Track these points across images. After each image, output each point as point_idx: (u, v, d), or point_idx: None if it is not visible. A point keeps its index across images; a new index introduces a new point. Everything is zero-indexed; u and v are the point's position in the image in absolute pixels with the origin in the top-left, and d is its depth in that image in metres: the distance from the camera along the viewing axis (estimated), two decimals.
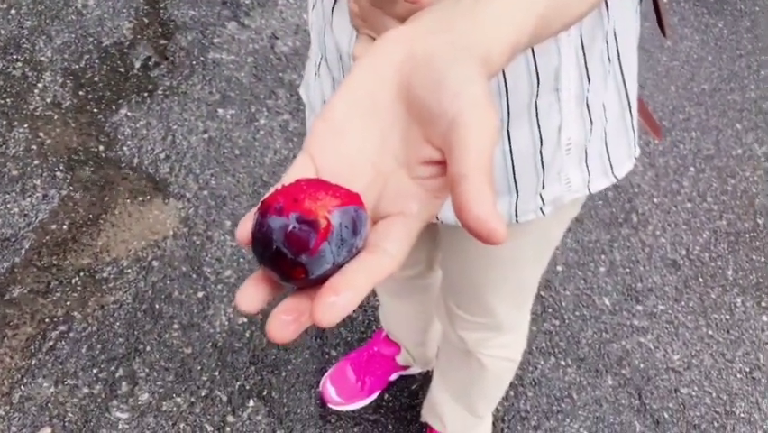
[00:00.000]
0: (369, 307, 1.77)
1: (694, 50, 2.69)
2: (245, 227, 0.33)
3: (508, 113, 0.70)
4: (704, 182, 2.22)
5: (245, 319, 1.74)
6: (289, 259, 0.31)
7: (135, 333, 1.70)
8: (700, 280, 1.96)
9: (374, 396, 1.63)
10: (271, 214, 0.31)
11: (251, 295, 0.32)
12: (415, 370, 1.66)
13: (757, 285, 1.96)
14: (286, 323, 0.31)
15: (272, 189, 0.32)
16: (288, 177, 0.34)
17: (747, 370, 1.78)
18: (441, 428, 1.47)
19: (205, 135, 2.11)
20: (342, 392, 1.60)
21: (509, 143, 0.73)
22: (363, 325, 1.76)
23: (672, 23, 2.79)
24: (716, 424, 1.68)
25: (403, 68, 0.34)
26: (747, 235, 2.09)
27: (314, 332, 1.74)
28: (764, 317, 1.89)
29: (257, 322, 1.74)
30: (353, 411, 1.62)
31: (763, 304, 1.92)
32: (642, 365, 1.76)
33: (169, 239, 1.87)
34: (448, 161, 0.32)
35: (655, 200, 2.14)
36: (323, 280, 0.31)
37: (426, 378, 1.64)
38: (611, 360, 1.77)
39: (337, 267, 0.32)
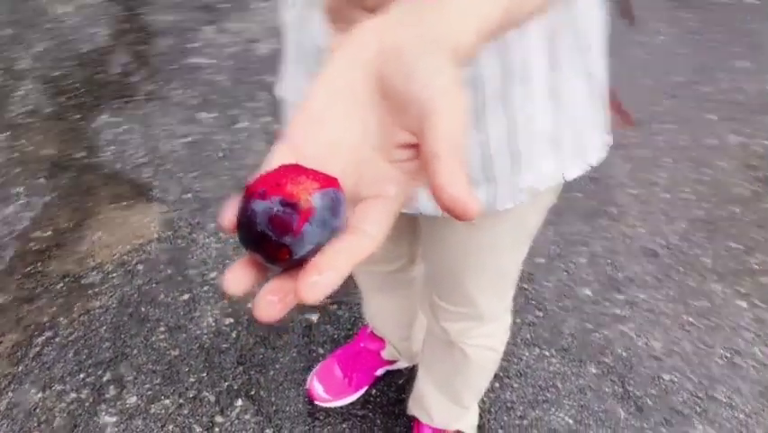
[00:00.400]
0: (354, 304, 1.79)
1: (668, 43, 2.73)
2: (228, 213, 0.34)
3: (482, 103, 0.72)
4: (680, 173, 2.26)
5: (232, 320, 1.75)
6: (274, 241, 0.32)
7: (122, 337, 1.70)
8: (679, 268, 1.99)
9: (361, 392, 1.64)
10: (255, 198, 0.33)
11: (238, 278, 0.34)
12: (401, 364, 1.67)
13: (735, 272, 2.00)
14: (272, 303, 0.32)
15: (255, 176, 0.34)
16: (269, 164, 0.35)
17: (728, 355, 1.82)
18: (427, 421, 1.49)
19: (187, 139, 2.11)
20: (330, 389, 1.61)
21: (484, 133, 0.75)
22: (349, 322, 1.77)
23: (644, 18, 2.83)
24: (698, 409, 1.71)
25: (375, 59, 0.36)
26: (724, 224, 2.13)
27: (300, 330, 1.75)
28: (743, 304, 1.93)
29: (243, 322, 1.75)
30: (341, 408, 1.63)
31: (742, 291, 1.96)
32: (624, 353, 1.79)
33: (153, 243, 1.88)
34: (421, 145, 0.34)
35: (633, 192, 2.17)
36: (306, 260, 0.33)
37: (413, 372, 1.66)
38: (594, 349, 1.79)
39: (319, 247, 0.33)
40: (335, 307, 1.80)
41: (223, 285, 0.34)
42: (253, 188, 0.33)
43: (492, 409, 1.66)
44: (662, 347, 1.82)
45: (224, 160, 2.07)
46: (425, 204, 0.83)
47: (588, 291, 1.91)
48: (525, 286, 1.88)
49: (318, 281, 0.31)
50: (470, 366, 1.28)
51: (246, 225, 0.33)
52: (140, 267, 1.82)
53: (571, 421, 1.66)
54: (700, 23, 2.82)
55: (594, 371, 1.75)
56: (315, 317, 1.78)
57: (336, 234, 0.34)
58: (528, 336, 1.80)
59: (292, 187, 0.33)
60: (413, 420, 1.56)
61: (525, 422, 1.65)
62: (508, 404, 1.67)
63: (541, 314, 1.84)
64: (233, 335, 1.73)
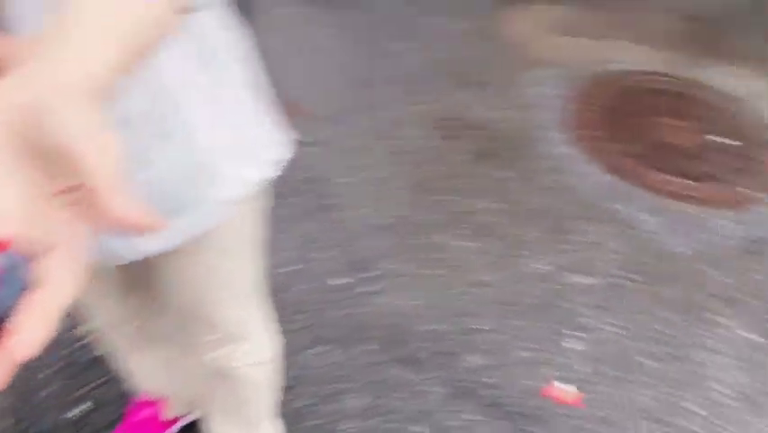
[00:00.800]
0: (117, 380, 1.69)
1: (336, 44, 2.96)
2: None
3: (140, 136, 0.74)
4: (380, 152, 2.47)
5: None
6: None
7: None
8: (406, 233, 2.19)
9: None
10: None
11: None
12: (189, 417, 1.62)
13: (452, 220, 2.25)
14: None
15: None
16: None
17: (473, 291, 2.04)
18: None
19: None
20: None
21: (154, 166, 0.76)
22: (118, 398, 1.67)
23: (304, 26, 3.04)
24: (464, 344, 1.90)
25: (11, 120, 0.35)
26: (430, 182, 2.38)
27: (72, 426, 1.61)
28: (468, 244, 2.18)
29: None
30: None
31: (463, 233, 2.21)
32: (391, 321, 1.93)
33: None
34: (82, 186, 0.35)
35: (346, 180, 2.34)
36: (2, 324, 0.33)
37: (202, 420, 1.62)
38: (364, 328, 1.90)
39: (10, 309, 0.33)
40: (102, 389, 1.68)
41: None
42: None
43: (288, 420, 1.68)
44: (418, 304, 1.98)
45: None
46: (142, 248, 0.84)
47: (340, 280, 2.01)
48: (280, 295, 1.93)
49: (21, 339, 0.32)
50: (247, 388, 1.29)
51: None
52: None
53: (367, 400, 1.75)
54: (360, 21, 3.11)
55: (371, 347, 1.86)
56: (83, 407, 1.65)
57: (23, 292, 0.34)
58: (300, 340, 1.85)
59: None
60: None
61: (325, 420, 1.70)
62: (303, 409, 1.71)
63: (303, 316, 1.90)
64: None
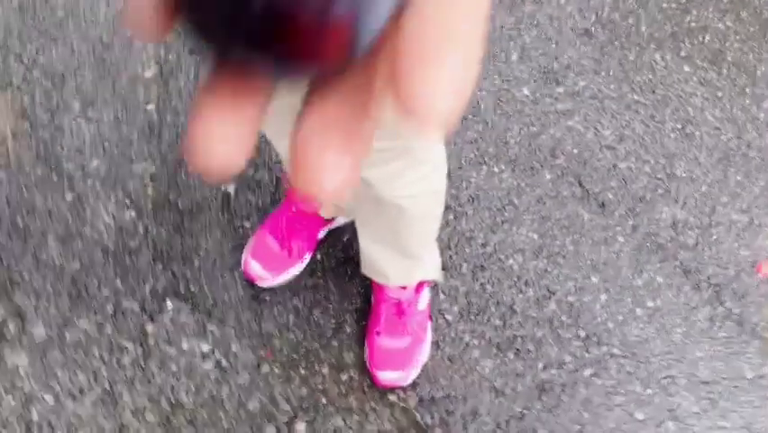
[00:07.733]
0: (273, 163, 1.53)
1: None
2: None
3: None
4: None
5: (133, 213, 1.47)
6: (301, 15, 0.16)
7: (4, 261, 1.40)
8: (616, 43, 1.80)
9: (305, 260, 1.43)
10: None
11: (211, 130, 0.19)
12: (341, 221, 1.46)
13: (673, 35, 1.82)
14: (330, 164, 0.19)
15: None
16: None
17: (679, 127, 1.69)
18: (383, 280, 1.31)
19: (14, 3, 1.68)
20: (269, 265, 1.40)
21: None
22: (272, 185, 1.52)
23: None
24: (660, 191, 1.60)
25: None
26: None
27: (217, 207, 1.49)
28: (686, 68, 1.78)
29: (148, 212, 1.47)
30: (288, 282, 1.43)
31: (683, 54, 1.80)
32: (575, 150, 1.64)
33: (9, 140, 1.52)
34: None
35: None
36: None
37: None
38: (544, 153, 1.62)
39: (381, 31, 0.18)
40: (251, 171, 1.53)
41: (189, 154, 0.18)
42: None
43: (451, 245, 1.49)
44: (612, 134, 1.67)
45: (67, 19, 1.66)
46: None
47: (525, 91, 1.70)
48: None
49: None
50: (412, 218, 1.09)
51: None
52: (1, 175, 1.48)
53: (535, 236, 1.53)
54: None
55: (548, 176, 1.60)
56: (230, 188, 1.52)
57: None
58: (472, 154, 1.60)
59: None
60: (371, 281, 1.38)
61: (488, 249, 1.50)
62: (467, 234, 1.51)
63: (481, 127, 1.64)
64: (140, 229, 1.46)
